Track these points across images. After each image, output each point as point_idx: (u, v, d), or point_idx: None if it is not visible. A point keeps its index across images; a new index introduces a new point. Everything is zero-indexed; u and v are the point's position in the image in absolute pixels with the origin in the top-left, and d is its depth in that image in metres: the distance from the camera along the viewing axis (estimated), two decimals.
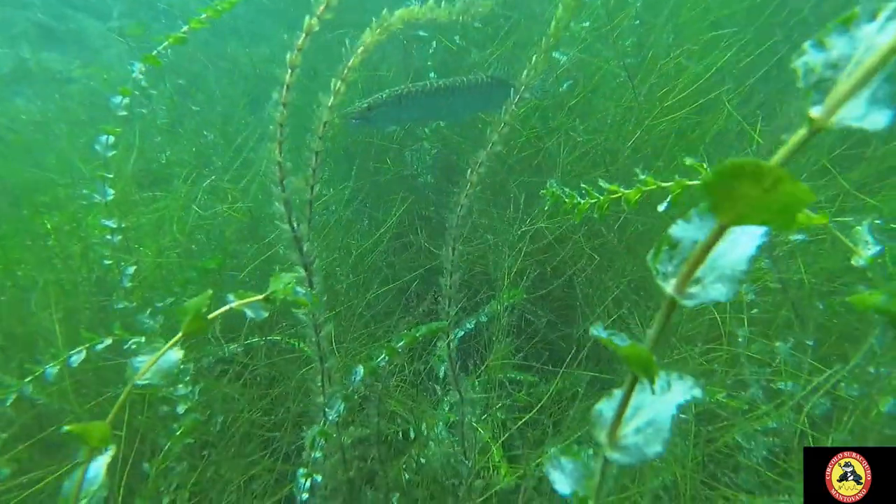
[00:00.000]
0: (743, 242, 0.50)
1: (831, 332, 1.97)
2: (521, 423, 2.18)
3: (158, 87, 4.13)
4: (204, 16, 1.67)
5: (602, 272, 2.54)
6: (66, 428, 0.70)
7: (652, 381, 0.51)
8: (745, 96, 2.58)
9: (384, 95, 2.40)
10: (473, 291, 2.79)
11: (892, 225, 2.02)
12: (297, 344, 2.32)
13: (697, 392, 0.55)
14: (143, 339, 1.61)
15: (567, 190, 1.43)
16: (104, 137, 1.72)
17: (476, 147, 3.60)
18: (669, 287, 0.52)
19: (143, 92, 4.34)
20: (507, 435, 1.99)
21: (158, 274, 2.16)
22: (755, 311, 2.23)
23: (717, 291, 0.49)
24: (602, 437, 0.56)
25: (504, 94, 2.80)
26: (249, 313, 0.83)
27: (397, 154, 3.80)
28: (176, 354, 0.77)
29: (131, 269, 1.96)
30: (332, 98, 1.24)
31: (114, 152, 1.74)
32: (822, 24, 0.46)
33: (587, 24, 3.49)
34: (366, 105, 2.36)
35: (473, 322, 2.23)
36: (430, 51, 4.03)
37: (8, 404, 1.44)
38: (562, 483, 0.59)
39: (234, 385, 2.01)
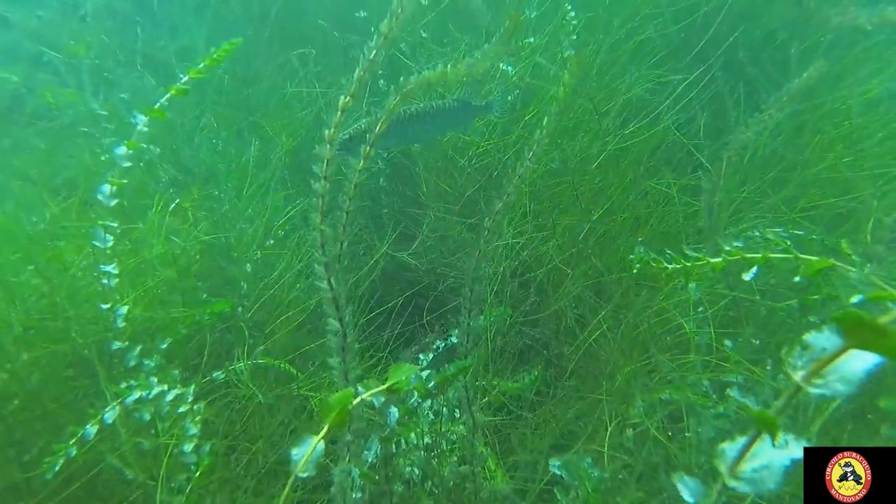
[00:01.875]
0: (863, 357, 0.68)
1: (771, 328, 2.30)
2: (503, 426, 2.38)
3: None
4: (202, 65, 1.67)
5: (566, 277, 2.77)
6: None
7: (774, 439, 0.70)
8: (687, 114, 2.86)
9: (363, 124, 2.47)
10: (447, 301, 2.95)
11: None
12: (285, 368, 2.38)
13: None
14: (165, 387, 1.64)
15: (653, 255, 1.59)
16: (105, 186, 1.70)
17: (425, 150, 3.69)
18: (798, 377, 0.71)
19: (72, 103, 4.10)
20: (499, 442, 2.17)
21: (148, 311, 2.14)
22: (701, 309, 2.54)
23: (837, 388, 0.68)
24: (723, 468, 0.76)
25: (468, 115, 2.96)
26: (375, 402, 0.93)
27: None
28: (322, 445, 0.86)
29: (124, 310, 1.95)
30: (361, 162, 1.33)
31: (116, 200, 1.72)
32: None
33: (532, 39, 3.68)
34: (347, 136, 2.43)
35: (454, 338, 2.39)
36: (381, 59, 4.07)
37: (57, 469, 1.44)
38: (687, 495, 0.78)
39: (238, 413, 2.06)
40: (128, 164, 1.67)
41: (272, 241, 3.23)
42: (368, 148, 1.33)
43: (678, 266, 1.55)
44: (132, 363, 2.00)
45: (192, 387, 1.73)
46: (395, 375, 0.95)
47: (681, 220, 2.51)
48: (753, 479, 0.74)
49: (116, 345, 1.97)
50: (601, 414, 2.26)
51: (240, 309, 2.74)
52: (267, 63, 4.17)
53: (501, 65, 3.77)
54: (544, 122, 1.50)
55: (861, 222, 2.65)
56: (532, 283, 2.63)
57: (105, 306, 1.84)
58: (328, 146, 1.27)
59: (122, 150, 1.67)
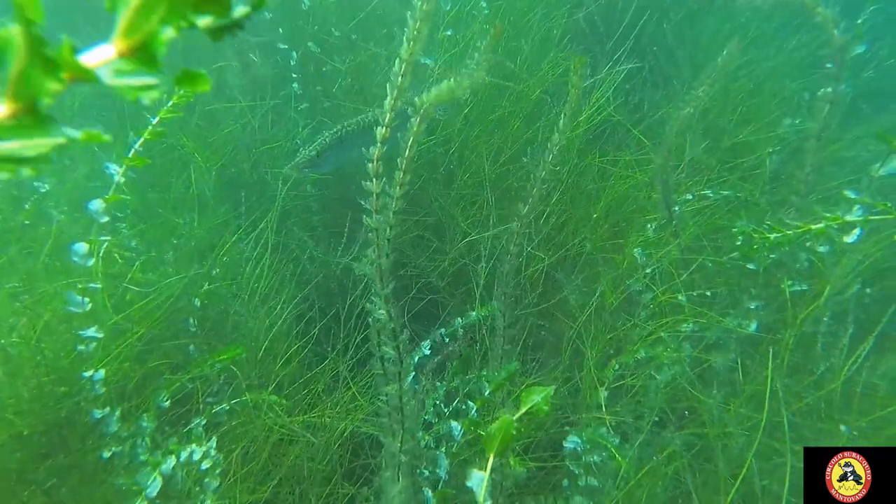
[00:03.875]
0: None
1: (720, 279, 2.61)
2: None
3: None
4: (171, 103, 1.52)
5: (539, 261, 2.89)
6: None
7: None
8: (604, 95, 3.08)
9: (327, 139, 2.41)
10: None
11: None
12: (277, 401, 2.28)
13: None
14: (194, 447, 1.52)
15: (755, 227, 1.69)
16: (79, 245, 1.50)
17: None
18: None
19: None
20: None
21: (129, 368, 1.94)
22: (650, 271, 2.80)
23: None
24: None
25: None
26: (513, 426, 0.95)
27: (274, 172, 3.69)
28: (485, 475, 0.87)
29: (101, 374, 1.76)
30: (398, 189, 1.32)
31: (93, 261, 1.53)
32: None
33: (450, 32, 3.74)
34: (314, 152, 2.36)
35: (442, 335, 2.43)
36: (293, 62, 3.93)
37: None
38: None
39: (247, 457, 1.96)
40: (106, 219, 1.50)
41: (217, 271, 3.02)
42: (402, 174, 1.32)
43: (778, 234, 1.70)
44: (113, 428, 1.84)
45: (214, 440, 1.62)
46: (529, 399, 0.97)
47: (632, 192, 2.74)
48: None
49: (98, 413, 1.78)
50: (590, 383, 2.43)
51: (191, 348, 2.57)
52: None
53: (421, 59, 3.79)
54: (560, 124, 1.57)
55: (762, 176, 3.06)
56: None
57: (88, 374, 1.66)
58: (374, 180, 1.24)
59: (97, 204, 1.49)
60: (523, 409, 0.98)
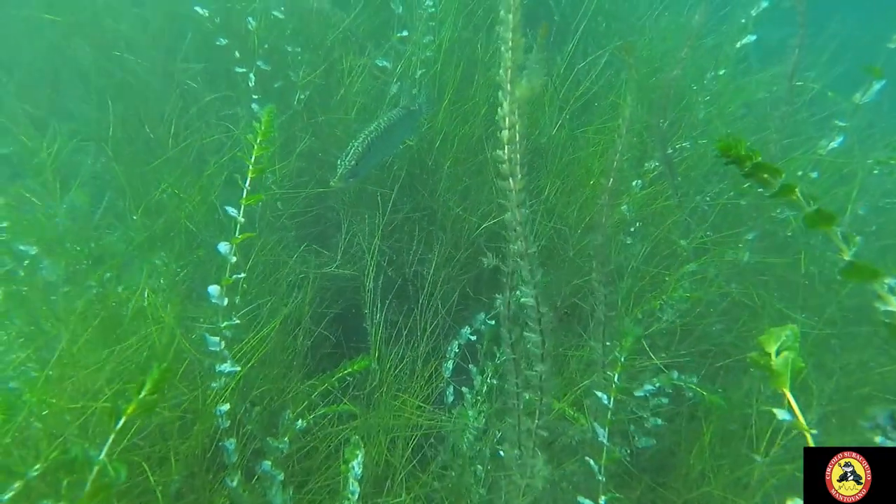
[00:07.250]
0: None
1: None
2: None
3: None
4: (259, 140, 1.55)
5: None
6: None
7: None
8: None
9: (359, 147, 2.48)
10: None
11: None
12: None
13: None
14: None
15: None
16: (214, 288, 1.52)
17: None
18: None
19: None
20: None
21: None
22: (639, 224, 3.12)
23: None
24: None
25: (414, 119, 3.06)
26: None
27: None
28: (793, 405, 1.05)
29: (225, 408, 1.80)
30: (518, 195, 1.47)
31: (226, 302, 1.55)
32: None
33: (405, 32, 3.86)
34: (353, 161, 2.43)
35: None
36: (251, 84, 3.90)
37: None
38: None
39: None
40: (234, 258, 1.53)
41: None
42: (519, 168, 1.47)
43: None
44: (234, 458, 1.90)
45: (362, 448, 1.72)
46: (775, 338, 1.10)
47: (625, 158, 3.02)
48: None
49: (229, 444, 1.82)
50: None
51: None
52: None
53: (377, 61, 3.89)
54: (628, 99, 1.77)
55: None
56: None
57: (223, 408, 1.70)
58: (510, 179, 1.38)
59: (226, 246, 1.52)
60: (773, 349, 1.12)
